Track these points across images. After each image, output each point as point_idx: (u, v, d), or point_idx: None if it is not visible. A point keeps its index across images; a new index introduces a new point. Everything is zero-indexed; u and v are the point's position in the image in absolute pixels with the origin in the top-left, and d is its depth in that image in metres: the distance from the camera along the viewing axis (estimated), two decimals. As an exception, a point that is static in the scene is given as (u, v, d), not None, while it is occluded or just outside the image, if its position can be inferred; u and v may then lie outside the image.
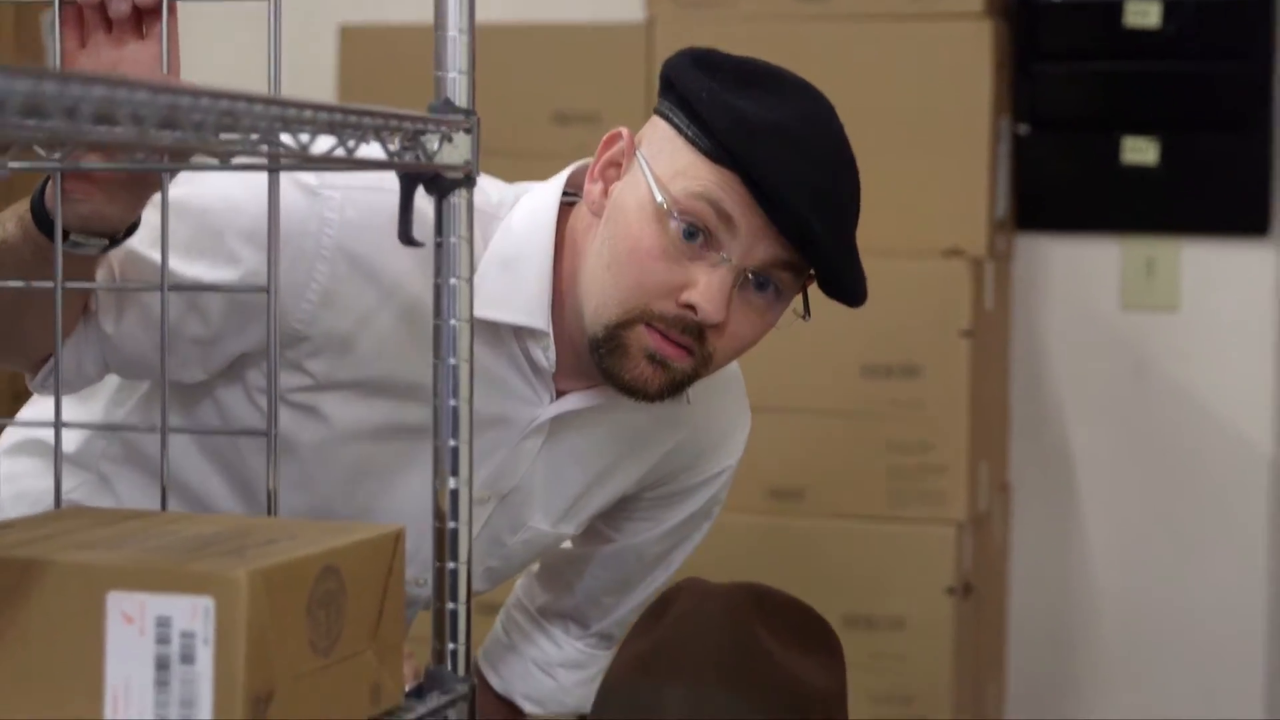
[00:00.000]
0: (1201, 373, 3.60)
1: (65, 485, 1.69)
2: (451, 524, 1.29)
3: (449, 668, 1.30)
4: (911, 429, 3.09)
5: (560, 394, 1.72)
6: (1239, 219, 3.51)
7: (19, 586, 1.12)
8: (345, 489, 1.68)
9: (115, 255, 1.53)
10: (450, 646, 1.30)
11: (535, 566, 1.98)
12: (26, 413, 1.81)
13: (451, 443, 1.29)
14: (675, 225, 1.58)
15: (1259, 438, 3.58)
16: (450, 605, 1.30)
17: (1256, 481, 3.59)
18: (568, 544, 1.92)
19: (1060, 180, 3.55)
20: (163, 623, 1.10)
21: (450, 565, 1.30)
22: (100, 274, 1.54)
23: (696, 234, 1.58)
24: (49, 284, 1.36)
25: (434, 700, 1.27)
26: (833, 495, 3.09)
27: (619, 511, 1.87)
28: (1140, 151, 3.52)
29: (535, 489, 1.76)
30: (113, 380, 1.73)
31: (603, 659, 1.97)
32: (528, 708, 1.96)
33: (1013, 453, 3.62)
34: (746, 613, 1.45)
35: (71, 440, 1.74)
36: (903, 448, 3.09)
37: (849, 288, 1.61)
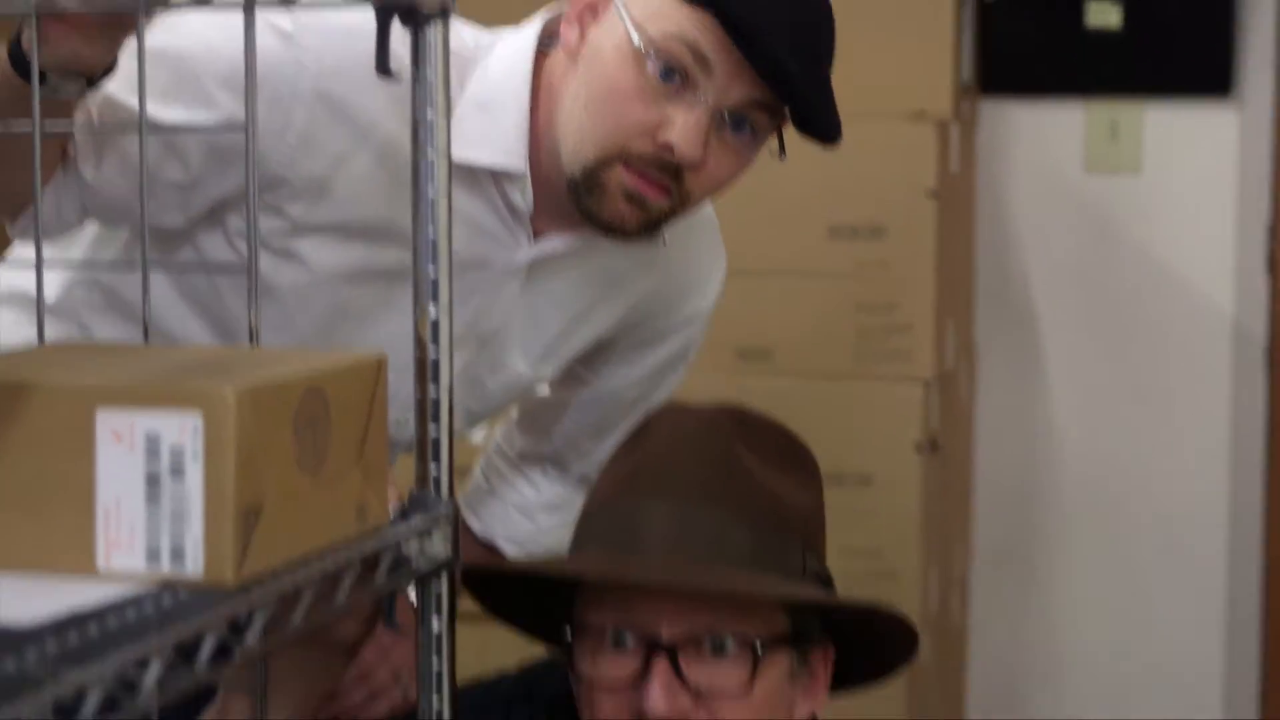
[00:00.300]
0: (1164, 234, 3.64)
1: (46, 335, 1.71)
2: (433, 351, 1.32)
3: (432, 491, 1.33)
4: (878, 289, 3.12)
5: (538, 236, 1.74)
6: (1202, 80, 3.53)
7: (6, 409, 1.14)
8: (323, 331, 1.70)
9: (93, 101, 1.54)
10: (433, 471, 1.33)
11: (514, 413, 2.01)
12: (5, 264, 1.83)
13: (431, 272, 1.31)
14: (652, 66, 1.60)
15: (1220, 297, 3.63)
16: (432, 431, 1.32)
17: (1218, 340, 3.63)
18: (545, 389, 1.95)
19: (1025, 44, 3.57)
20: (152, 439, 1.12)
21: (432, 392, 1.33)
22: (79, 120, 1.55)
23: (673, 74, 1.60)
24: (27, 127, 1.37)
25: (418, 522, 1.30)
26: (800, 355, 3.12)
27: (596, 355, 1.89)
28: (1104, 14, 3.54)
29: (514, 331, 1.78)
30: (92, 230, 1.75)
31: (581, 502, 2.01)
32: (509, 550, 1.99)
33: (978, 315, 3.65)
34: (726, 433, 1.47)
35: (51, 290, 1.75)
36: (870, 308, 3.12)
37: (824, 125, 1.62)
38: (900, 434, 3.11)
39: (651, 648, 1.41)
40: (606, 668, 1.43)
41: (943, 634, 3.49)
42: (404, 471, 1.43)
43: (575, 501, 2.00)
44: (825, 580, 1.48)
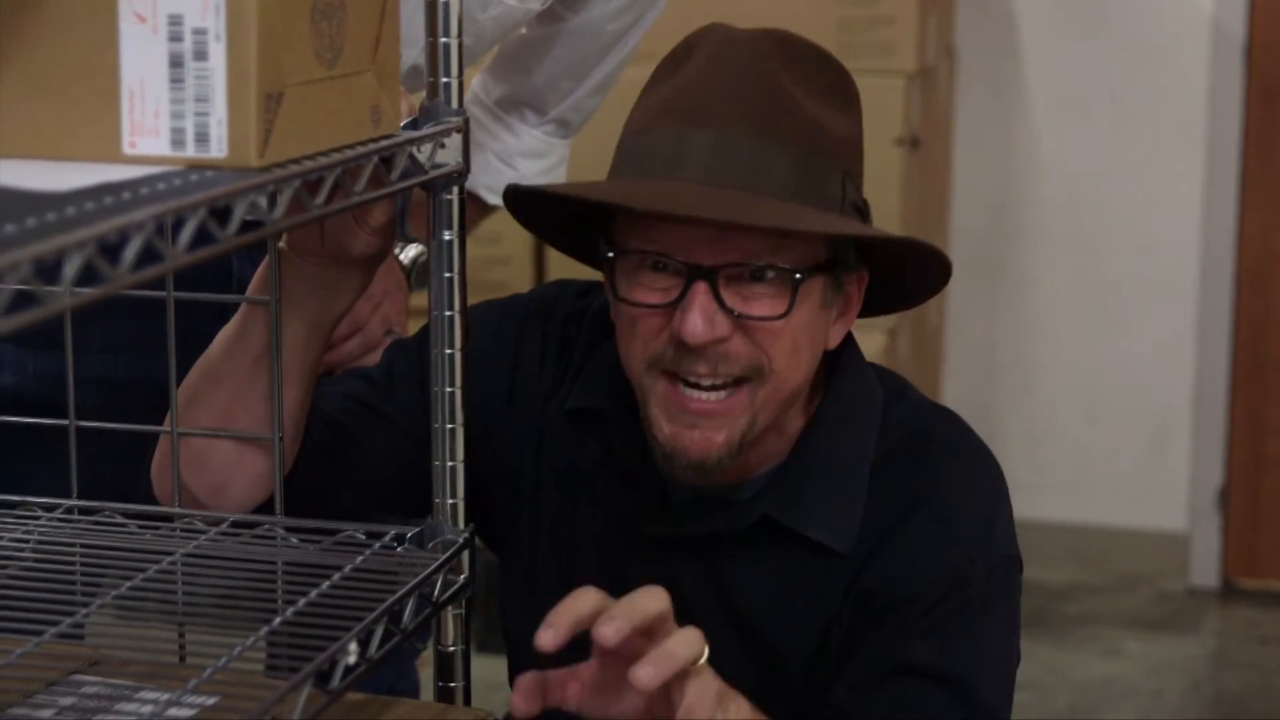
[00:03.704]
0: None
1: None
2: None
3: (443, 101, 1.35)
4: (860, -22, 3.12)
5: None
6: None
7: (30, -6, 1.15)
8: None
9: None
10: (444, 78, 1.34)
11: (489, 61, 2.01)
12: None
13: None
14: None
15: (1200, -5, 3.64)
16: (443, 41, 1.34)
17: (1196, 42, 3.64)
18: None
19: None
20: (175, 20, 1.13)
21: (443, 40, 1.34)
22: None
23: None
24: None
25: (431, 129, 1.33)
26: (783, 48, 3.12)
27: None
28: None
29: None
30: None
31: (560, 148, 2.01)
32: (491, 200, 2.00)
33: (957, 17, 3.65)
34: (771, 59, 1.45)
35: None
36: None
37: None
38: (881, 128, 3.13)
39: (692, 273, 1.42)
40: (645, 291, 1.44)
41: (920, 334, 3.54)
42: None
43: (556, 147, 2.01)
44: (862, 209, 1.48)
